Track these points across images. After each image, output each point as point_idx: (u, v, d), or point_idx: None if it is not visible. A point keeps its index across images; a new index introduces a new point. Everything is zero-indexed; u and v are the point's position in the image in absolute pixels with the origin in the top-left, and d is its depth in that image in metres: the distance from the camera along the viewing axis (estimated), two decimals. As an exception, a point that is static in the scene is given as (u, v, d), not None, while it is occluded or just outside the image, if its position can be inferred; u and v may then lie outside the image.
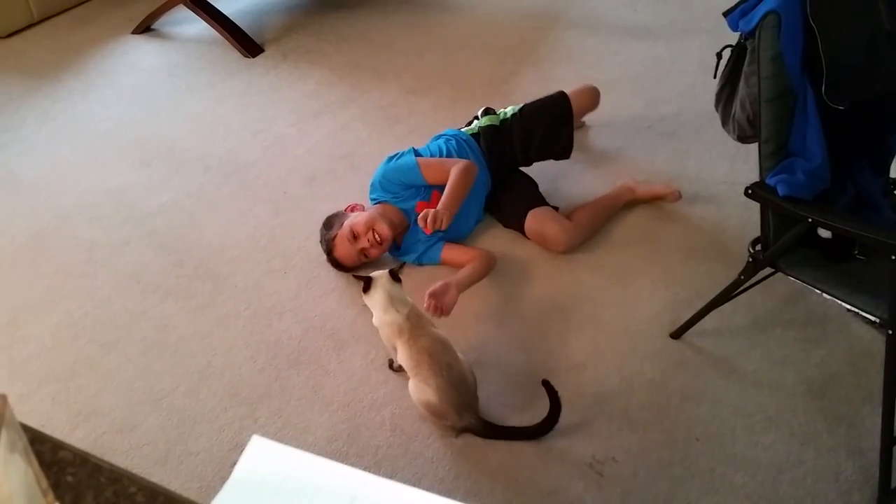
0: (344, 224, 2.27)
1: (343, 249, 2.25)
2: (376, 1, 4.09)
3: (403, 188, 2.37)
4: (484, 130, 2.52)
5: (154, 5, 3.85)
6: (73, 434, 1.86)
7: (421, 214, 2.05)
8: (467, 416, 1.76)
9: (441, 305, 1.95)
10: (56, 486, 0.64)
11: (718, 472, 1.70)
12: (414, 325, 1.84)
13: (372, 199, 2.43)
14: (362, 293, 1.91)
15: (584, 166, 2.72)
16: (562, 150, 2.55)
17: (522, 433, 1.78)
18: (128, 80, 3.48)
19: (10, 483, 0.50)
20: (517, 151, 2.51)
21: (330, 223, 2.33)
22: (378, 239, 2.23)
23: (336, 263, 2.29)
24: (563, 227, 2.31)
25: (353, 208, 2.38)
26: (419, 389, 1.78)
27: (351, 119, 3.06)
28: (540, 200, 2.43)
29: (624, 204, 2.49)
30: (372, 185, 2.43)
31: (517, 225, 2.39)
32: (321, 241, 2.33)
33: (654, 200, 2.51)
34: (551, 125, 2.52)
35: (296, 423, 1.87)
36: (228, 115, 3.14)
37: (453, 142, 2.45)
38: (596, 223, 2.41)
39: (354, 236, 2.23)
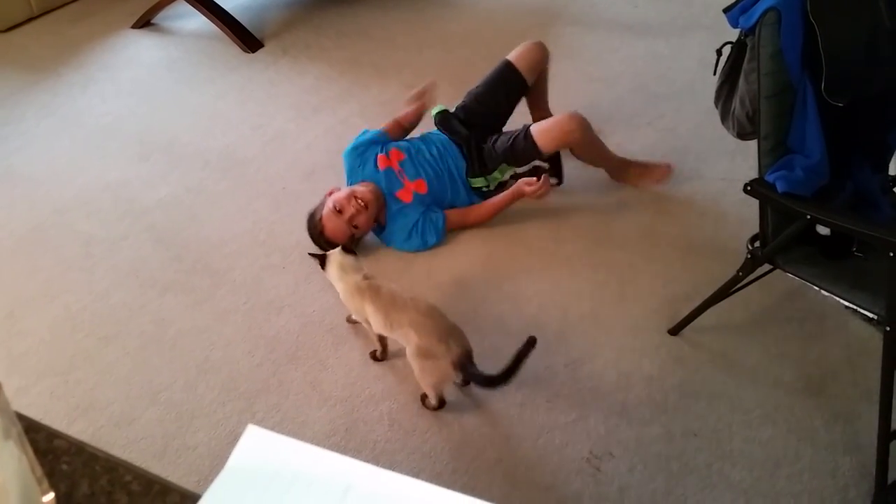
0: (326, 203, 2.33)
1: (332, 225, 2.29)
2: (376, -4, 4.09)
3: (360, 156, 2.48)
4: (439, 118, 2.58)
5: (154, 0, 3.84)
6: (71, 427, 1.86)
7: None
8: (454, 344, 1.76)
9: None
10: (51, 474, 0.64)
11: (716, 467, 1.70)
12: (371, 285, 1.93)
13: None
14: (323, 271, 2.03)
15: (583, 163, 2.72)
16: (523, 87, 2.66)
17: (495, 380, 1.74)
18: (127, 75, 3.48)
19: (4, 471, 0.49)
20: (488, 116, 2.60)
21: (313, 211, 2.38)
22: (362, 202, 2.30)
23: (329, 242, 2.29)
24: (566, 114, 2.43)
25: (330, 192, 2.41)
26: (404, 339, 1.83)
27: (350, 114, 3.06)
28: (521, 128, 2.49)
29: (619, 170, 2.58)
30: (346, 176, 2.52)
31: (529, 151, 2.43)
32: (309, 231, 2.35)
33: (645, 177, 2.55)
34: (507, 93, 2.64)
35: (294, 417, 1.87)
36: (228, 110, 3.14)
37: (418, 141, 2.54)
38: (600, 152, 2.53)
39: (339, 210, 2.28)
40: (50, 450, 0.66)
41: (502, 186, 2.49)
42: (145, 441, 1.83)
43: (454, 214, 2.44)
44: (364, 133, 2.55)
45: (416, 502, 0.58)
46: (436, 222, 2.40)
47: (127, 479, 0.63)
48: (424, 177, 2.44)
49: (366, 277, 1.97)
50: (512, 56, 2.68)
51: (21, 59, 3.63)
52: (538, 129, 2.44)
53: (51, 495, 0.57)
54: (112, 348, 2.09)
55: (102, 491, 0.63)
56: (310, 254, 2.10)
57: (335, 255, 2.02)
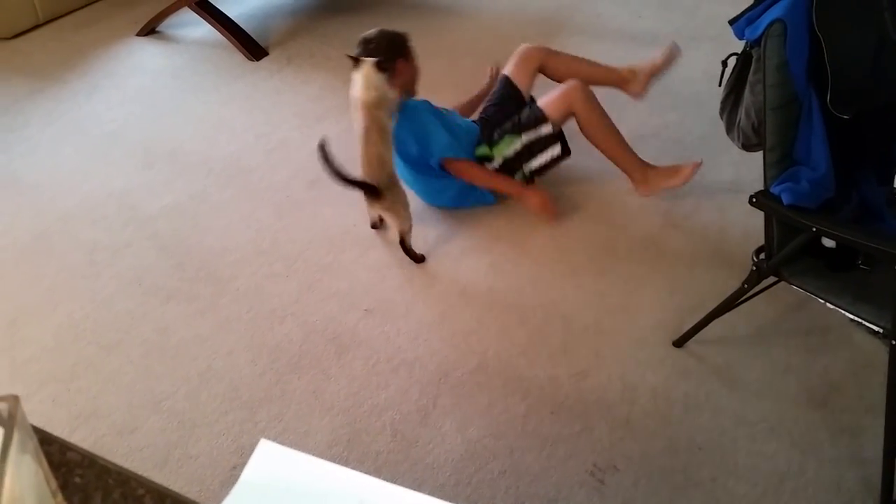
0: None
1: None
2: (381, 6, 4.10)
3: None
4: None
5: (159, 8, 3.86)
6: (73, 436, 1.86)
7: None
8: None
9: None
10: (64, 487, 0.64)
11: (720, 481, 1.69)
12: (380, 123, 2.21)
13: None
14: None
15: (588, 172, 2.72)
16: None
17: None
18: (132, 82, 3.49)
19: (21, 484, 0.49)
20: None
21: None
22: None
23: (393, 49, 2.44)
24: (568, 84, 2.49)
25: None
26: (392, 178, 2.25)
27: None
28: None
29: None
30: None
31: (535, 115, 2.47)
32: (391, 37, 2.53)
33: (675, 176, 2.50)
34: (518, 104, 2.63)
35: (296, 427, 1.86)
36: (232, 119, 3.14)
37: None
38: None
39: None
40: (63, 462, 0.66)
41: (508, 166, 2.48)
42: (147, 450, 1.82)
43: (461, 161, 2.42)
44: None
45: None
46: (445, 136, 2.40)
47: (140, 493, 0.63)
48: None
49: (368, 101, 2.20)
50: (509, 70, 2.70)
51: (26, 66, 3.64)
52: (543, 98, 2.52)
53: None
54: (114, 356, 2.08)
55: None
56: (347, 55, 2.30)
57: (367, 66, 2.21)
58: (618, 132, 2.52)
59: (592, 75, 2.65)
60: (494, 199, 2.55)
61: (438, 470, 1.74)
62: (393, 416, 1.88)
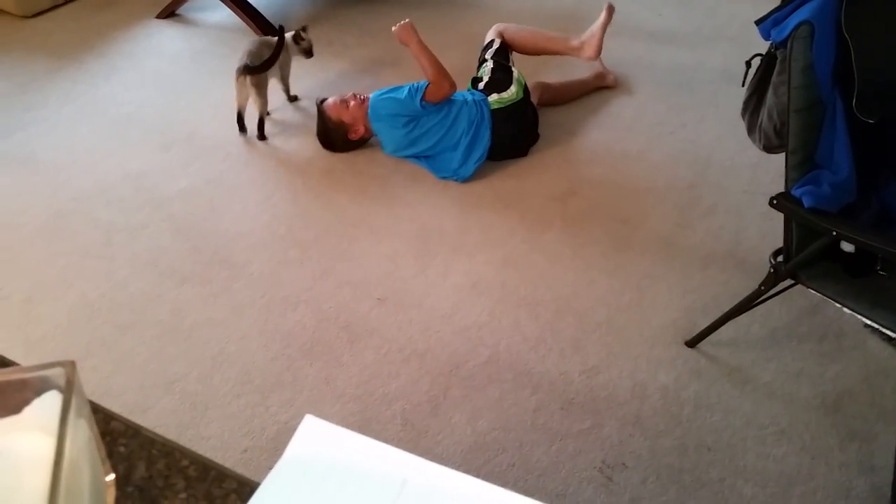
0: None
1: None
2: (400, -5, 4.09)
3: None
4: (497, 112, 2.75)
5: (179, -9, 3.86)
6: (86, 414, 1.87)
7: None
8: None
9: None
10: (109, 455, 0.64)
11: (728, 482, 1.69)
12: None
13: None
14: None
15: (605, 169, 2.71)
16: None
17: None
18: (150, 64, 3.49)
19: (76, 448, 0.50)
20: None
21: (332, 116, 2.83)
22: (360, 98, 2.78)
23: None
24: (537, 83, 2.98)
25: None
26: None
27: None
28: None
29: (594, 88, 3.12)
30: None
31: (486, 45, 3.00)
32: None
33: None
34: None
35: (307, 412, 1.86)
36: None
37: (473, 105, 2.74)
38: (565, 90, 3.08)
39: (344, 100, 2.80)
40: (107, 431, 0.67)
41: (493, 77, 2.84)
42: (159, 430, 1.80)
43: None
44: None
45: (470, 499, 0.59)
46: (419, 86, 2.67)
47: (184, 464, 0.64)
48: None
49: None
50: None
51: (45, 46, 3.65)
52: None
53: (112, 476, 0.58)
54: (128, 337, 2.10)
55: (160, 474, 0.63)
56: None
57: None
58: (538, 32, 3.05)
59: (548, 45, 3.04)
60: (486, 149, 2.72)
61: (448, 461, 1.75)
62: (403, 405, 1.88)
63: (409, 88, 2.68)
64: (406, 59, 3.43)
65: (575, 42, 2.97)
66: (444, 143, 2.66)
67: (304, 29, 3.06)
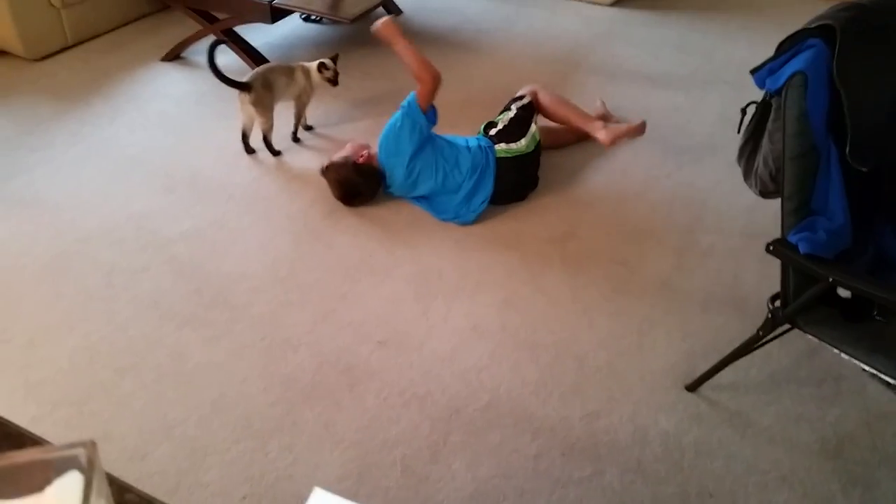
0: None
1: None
2: (401, 39, 4.16)
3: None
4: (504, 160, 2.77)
5: (184, 34, 3.94)
6: (85, 459, 1.86)
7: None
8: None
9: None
10: None
11: (731, 529, 1.68)
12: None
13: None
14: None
15: (603, 211, 2.74)
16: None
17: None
18: (155, 107, 3.55)
19: None
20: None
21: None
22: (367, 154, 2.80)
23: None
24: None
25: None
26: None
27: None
28: None
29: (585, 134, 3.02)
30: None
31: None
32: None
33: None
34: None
35: (306, 458, 1.86)
36: (253, 146, 3.19)
37: (478, 148, 2.76)
38: (565, 134, 3.09)
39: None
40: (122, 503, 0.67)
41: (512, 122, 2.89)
42: (158, 476, 1.83)
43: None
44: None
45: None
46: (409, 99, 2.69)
47: None
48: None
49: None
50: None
51: (51, 88, 3.71)
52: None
53: None
54: (128, 380, 2.10)
55: None
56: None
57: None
58: (568, 102, 3.05)
59: (570, 115, 3.01)
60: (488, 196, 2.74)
61: (448, 508, 1.74)
62: (404, 451, 1.88)
63: (401, 108, 2.69)
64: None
65: (598, 122, 2.95)
66: (447, 187, 2.69)
67: (334, 58, 3.15)
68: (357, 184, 2.76)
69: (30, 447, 0.55)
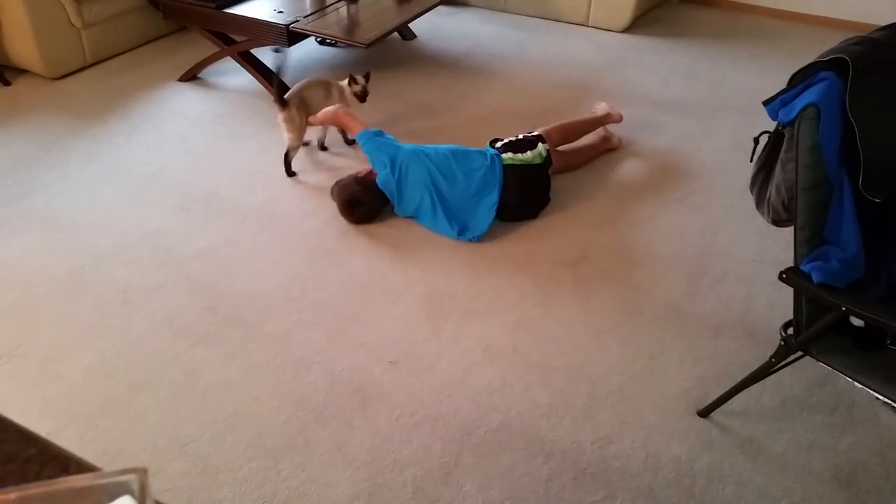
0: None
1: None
2: (415, 64, 4.22)
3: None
4: (512, 168, 2.84)
5: (201, 55, 4.00)
6: (99, 475, 1.87)
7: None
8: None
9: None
10: None
11: (743, 557, 1.67)
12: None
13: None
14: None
15: (614, 235, 2.76)
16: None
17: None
18: (172, 126, 3.60)
19: None
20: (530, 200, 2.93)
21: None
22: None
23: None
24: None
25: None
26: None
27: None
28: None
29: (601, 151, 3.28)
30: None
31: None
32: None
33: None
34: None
35: (318, 478, 1.87)
36: (268, 166, 3.23)
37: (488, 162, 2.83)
38: (575, 156, 3.18)
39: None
40: None
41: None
42: (171, 493, 1.84)
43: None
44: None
45: None
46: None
47: None
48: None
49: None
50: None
51: (70, 106, 3.77)
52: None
53: None
54: (143, 397, 2.11)
55: None
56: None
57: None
58: (579, 147, 3.21)
59: (581, 122, 3.24)
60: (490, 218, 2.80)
61: (459, 530, 1.74)
62: (415, 472, 1.88)
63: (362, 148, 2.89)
64: (420, 126, 3.53)
65: (601, 105, 3.36)
66: (446, 187, 2.76)
67: (366, 76, 3.23)
68: (355, 192, 2.82)
69: (81, 472, 0.57)
